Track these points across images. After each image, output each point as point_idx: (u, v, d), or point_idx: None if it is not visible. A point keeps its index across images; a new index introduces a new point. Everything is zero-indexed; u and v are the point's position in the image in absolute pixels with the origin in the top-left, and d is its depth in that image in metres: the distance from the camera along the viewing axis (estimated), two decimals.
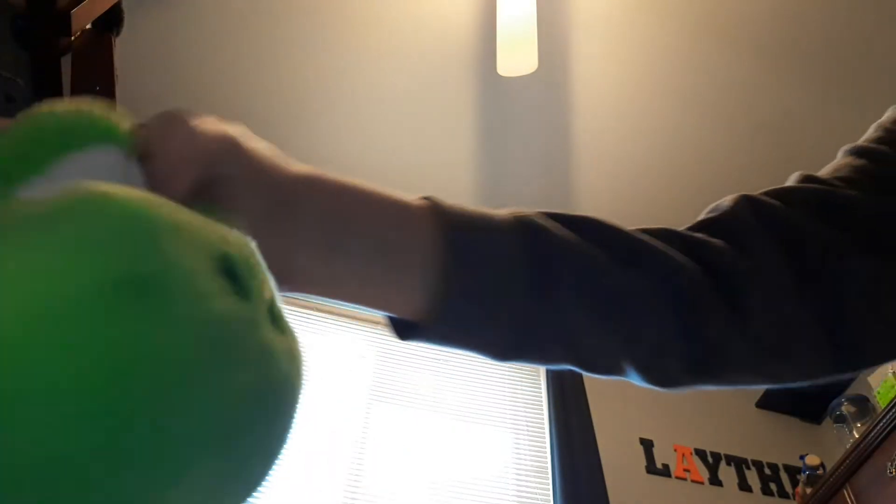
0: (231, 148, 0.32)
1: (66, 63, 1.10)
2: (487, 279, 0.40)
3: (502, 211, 0.43)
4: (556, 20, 2.39)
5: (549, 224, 0.43)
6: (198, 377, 0.21)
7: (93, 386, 0.19)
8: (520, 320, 0.41)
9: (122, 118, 0.28)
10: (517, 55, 2.18)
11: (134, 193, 0.22)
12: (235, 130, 0.33)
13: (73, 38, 1.08)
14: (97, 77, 1.18)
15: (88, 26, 1.18)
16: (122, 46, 1.28)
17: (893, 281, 0.48)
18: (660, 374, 0.46)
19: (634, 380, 0.47)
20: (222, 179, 0.31)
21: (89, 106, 0.27)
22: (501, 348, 0.42)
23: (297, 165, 0.37)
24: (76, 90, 1.13)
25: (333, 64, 2.55)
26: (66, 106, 0.26)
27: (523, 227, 0.42)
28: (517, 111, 2.66)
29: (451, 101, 2.64)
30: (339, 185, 0.38)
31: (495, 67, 2.27)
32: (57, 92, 1.07)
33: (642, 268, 0.44)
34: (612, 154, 2.76)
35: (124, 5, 1.24)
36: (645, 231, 0.48)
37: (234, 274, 0.23)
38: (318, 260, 0.37)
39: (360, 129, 2.75)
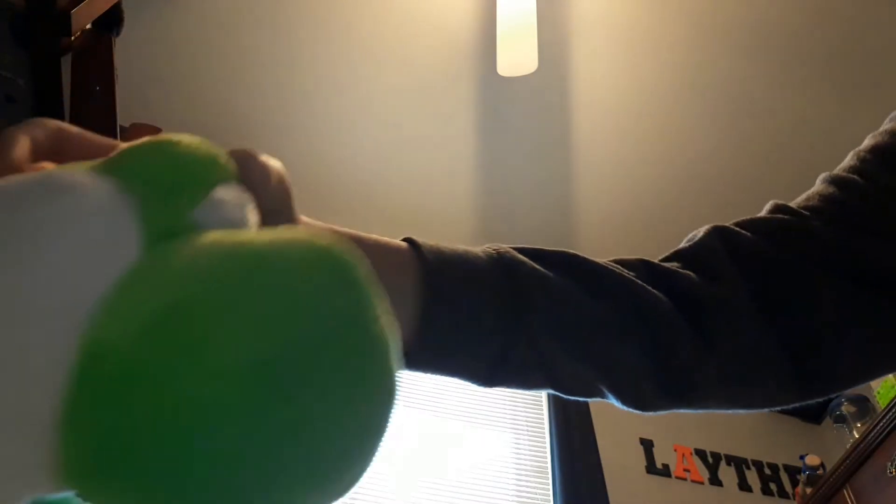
0: (285, 187, 0.35)
1: (66, 63, 1.10)
2: (464, 312, 0.43)
3: (477, 248, 0.47)
4: (556, 20, 2.39)
5: (523, 260, 0.46)
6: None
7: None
8: (497, 350, 0.45)
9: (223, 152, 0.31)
10: (517, 55, 2.18)
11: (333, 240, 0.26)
12: (283, 168, 0.36)
13: (73, 38, 1.08)
14: (97, 77, 1.18)
15: (88, 26, 1.18)
16: (122, 46, 1.28)
17: (859, 309, 0.51)
18: (637, 398, 0.49)
19: (614, 402, 0.49)
20: (271, 215, 0.34)
21: (207, 142, 0.30)
22: (482, 375, 0.46)
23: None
24: (76, 90, 1.13)
25: (334, 64, 2.55)
26: (197, 141, 0.29)
27: (499, 264, 0.46)
28: (517, 111, 2.66)
29: (451, 101, 2.64)
30: (329, 232, 0.41)
31: (495, 67, 2.27)
32: (57, 92, 1.07)
33: (612, 299, 0.48)
34: (612, 154, 2.76)
35: (124, 5, 1.24)
36: (618, 262, 0.51)
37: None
38: None
39: (361, 130, 2.75)
